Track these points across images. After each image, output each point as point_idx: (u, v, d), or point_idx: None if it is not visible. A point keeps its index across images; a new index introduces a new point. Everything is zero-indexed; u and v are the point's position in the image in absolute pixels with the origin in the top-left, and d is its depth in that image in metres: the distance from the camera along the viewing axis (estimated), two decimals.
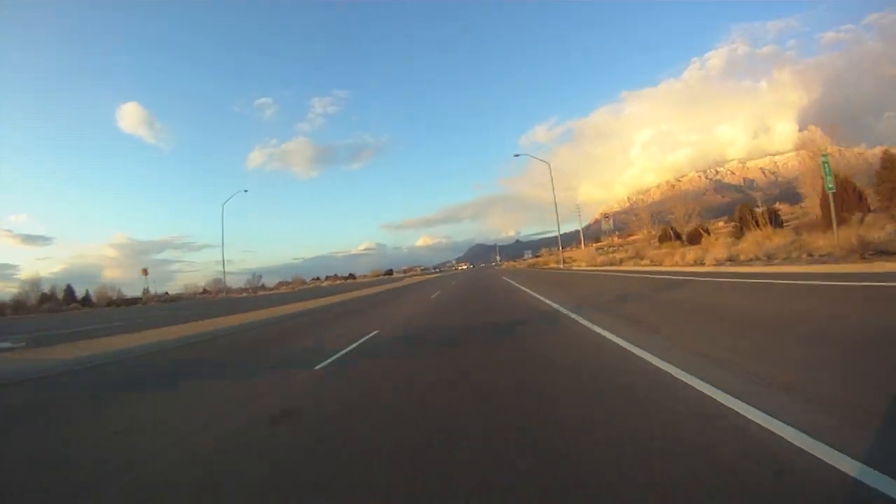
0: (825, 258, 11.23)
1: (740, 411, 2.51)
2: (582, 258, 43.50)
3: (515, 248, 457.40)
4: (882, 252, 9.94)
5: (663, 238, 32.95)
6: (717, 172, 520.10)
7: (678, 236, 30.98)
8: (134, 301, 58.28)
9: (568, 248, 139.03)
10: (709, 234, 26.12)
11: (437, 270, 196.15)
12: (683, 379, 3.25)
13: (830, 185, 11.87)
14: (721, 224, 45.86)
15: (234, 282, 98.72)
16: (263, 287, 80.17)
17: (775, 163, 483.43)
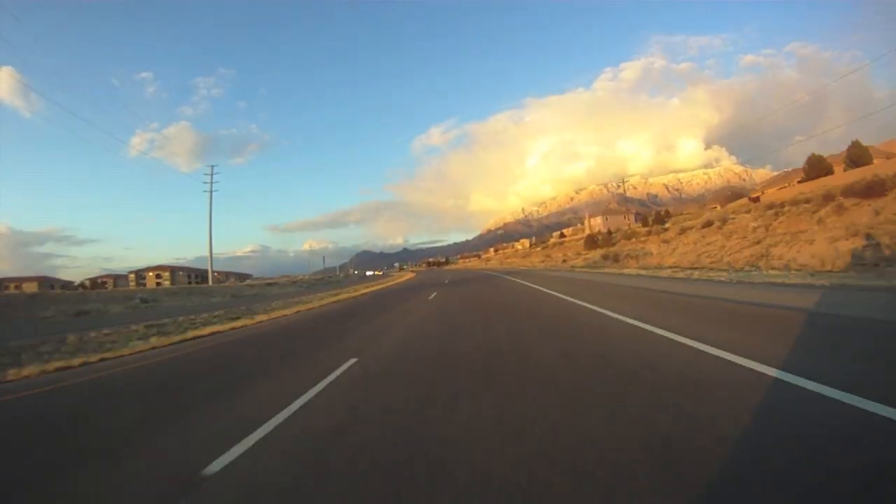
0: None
1: None
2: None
3: (403, 257, 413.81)
4: None
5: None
6: (619, 186, 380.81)
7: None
8: None
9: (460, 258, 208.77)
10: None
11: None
12: None
13: None
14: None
15: None
16: None
17: (679, 180, 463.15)
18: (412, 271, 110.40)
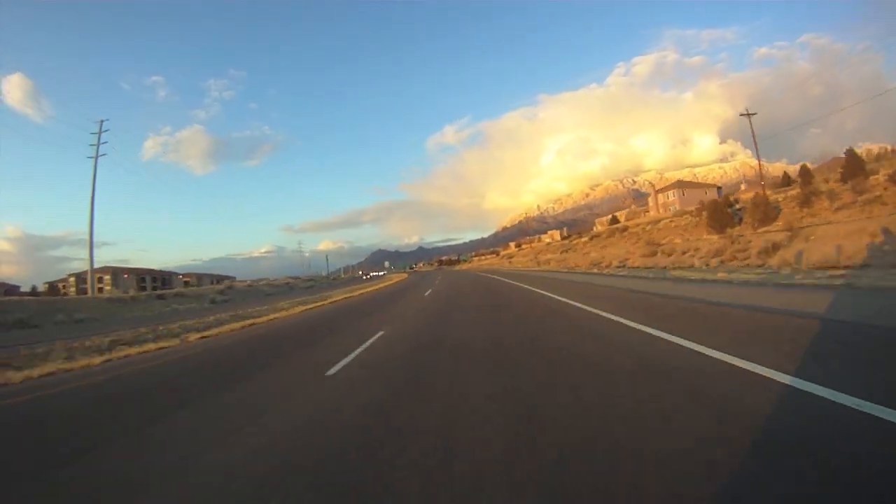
0: None
1: None
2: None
3: (419, 255, 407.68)
4: None
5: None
6: (634, 182, 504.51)
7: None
8: None
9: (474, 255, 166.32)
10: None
11: None
12: None
13: None
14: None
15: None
16: None
17: (695, 174, 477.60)
18: (407, 272, 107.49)
